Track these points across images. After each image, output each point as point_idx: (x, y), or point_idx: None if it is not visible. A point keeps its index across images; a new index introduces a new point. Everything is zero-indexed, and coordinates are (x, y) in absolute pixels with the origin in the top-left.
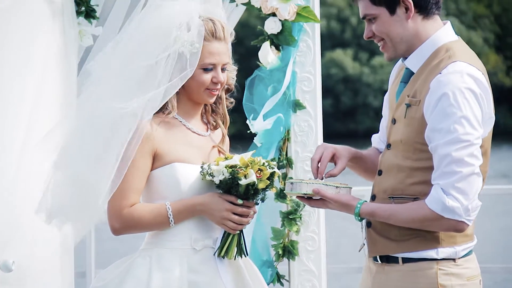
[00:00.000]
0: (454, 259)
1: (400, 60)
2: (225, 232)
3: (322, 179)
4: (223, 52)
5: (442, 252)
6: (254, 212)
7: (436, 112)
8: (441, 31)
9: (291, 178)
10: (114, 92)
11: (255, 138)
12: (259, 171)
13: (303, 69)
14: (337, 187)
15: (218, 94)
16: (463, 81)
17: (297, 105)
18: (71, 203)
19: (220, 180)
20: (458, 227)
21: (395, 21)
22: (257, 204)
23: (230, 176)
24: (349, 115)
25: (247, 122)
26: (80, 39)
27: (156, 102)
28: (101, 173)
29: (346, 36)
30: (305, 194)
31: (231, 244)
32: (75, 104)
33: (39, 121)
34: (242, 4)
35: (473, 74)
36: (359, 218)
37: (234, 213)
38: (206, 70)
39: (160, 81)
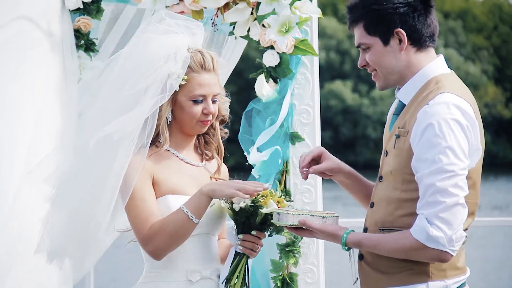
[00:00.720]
0: None
1: (395, 95)
2: (234, 259)
3: (306, 173)
4: (213, 83)
5: (432, 285)
6: (261, 245)
7: (422, 142)
8: (433, 64)
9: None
10: (101, 122)
11: (252, 170)
12: (277, 203)
13: (301, 102)
14: (323, 217)
15: (209, 124)
16: (449, 112)
17: (295, 137)
18: (71, 241)
19: (240, 207)
20: (442, 257)
21: (388, 52)
22: (270, 236)
23: (252, 204)
24: (348, 147)
25: (246, 154)
26: (80, 72)
27: (137, 126)
28: (98, 207)
29: (345, 68)
30: (291, 225)
31: (239, 272)
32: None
33: (38, 154)
34: (241, 37)
35: (460, 106)
36: (345, 247)
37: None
38: (196, 102)
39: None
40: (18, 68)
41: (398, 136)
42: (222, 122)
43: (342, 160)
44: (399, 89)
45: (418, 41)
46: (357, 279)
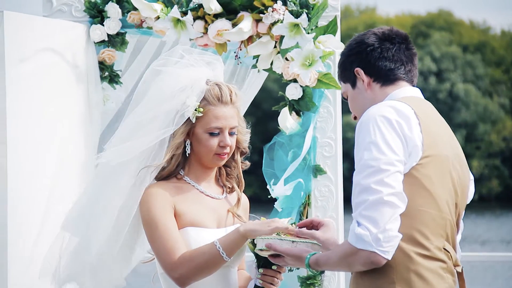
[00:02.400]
0: None
1: None
2: None
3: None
4: (229, 116)
5: None
6: (280, 279)
7: (355, 146)
8: (397, 91)
9: None
10: (117, 153)
11: (275, 203)
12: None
13: (324, 135)
14: (293, 241)
15: (227, 158)
16: (378, 110)
17: (317, 170)
18: (80, 269)
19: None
20: (372, 258)
21: (357, 94)
22: (291, 271)
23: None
24: None
25: (268, 187)
26: (104, 104)
27: (135, 155)
28: (106, 237)
29: None
30: (260, 249)
31: None
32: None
33: (62, 184)
34: (264, 70)
35: (394, 106)
36: (309, 269)
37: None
38: (212, 134)
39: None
40: (43, 99)
41: None
42: (242, 154)
43: None
44: None
45: (380, 76)
46: None
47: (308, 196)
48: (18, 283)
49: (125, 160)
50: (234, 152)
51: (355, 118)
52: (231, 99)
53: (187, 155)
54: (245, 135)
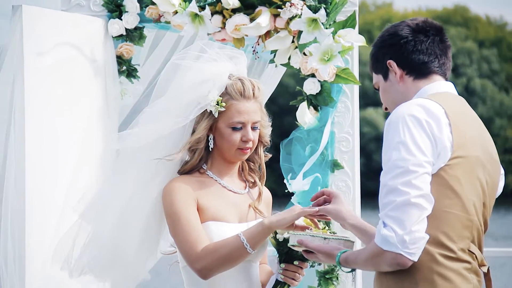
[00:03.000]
0: None
1: None
2: (274, 286)
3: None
4: (252, 110)
5: None
6: (302, 275)
7: (383, 145)
8: (430, 86)
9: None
10: (133, 136)
11: (292, 197)
12: None
13: (341, 130)
14: (325, 238)
15: (250, 152)
16: (407, 109)
17: (335, 165)
18: (109, 262)
19: (284, 238)
20: (398, 260)
21: (389, 86)
22: (313, 266)
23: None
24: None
25: (285, 181)
26: (121, 98)
27: (147, 142)
28: (127, 230)
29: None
30: (292, 245)
31: None
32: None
33: (81, 179)
34: (281, 65)
35: (424, 105)
36: (340, 266)
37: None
38: (235, 129)
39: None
40: (61, 94)
41: None
42: (264, 147)
43: (375, 188)
44: None
45: (413, 69)
46: None
47: None
48: (37, 275)
49: (142, 148)
50: (257, 146)
51: (386, 109)
52: (253, 93)
53: (210, 150)
54: (267, 129)
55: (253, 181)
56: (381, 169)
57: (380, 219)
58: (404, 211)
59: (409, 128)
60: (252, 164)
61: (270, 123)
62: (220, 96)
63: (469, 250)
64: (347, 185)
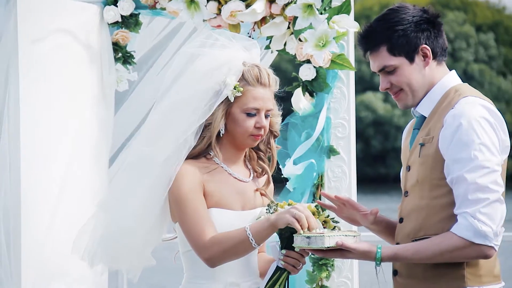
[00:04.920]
0: None
1: (412, 113)
2: (274, 273)
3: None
4: (267, 98)
5: None
6: (303, 263)
7: (453, 143)
8: (449, 76)
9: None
10: (152, 136)
11: (287, 183)
12: (324, 223)
13: (337, 116)
14: (354, 236)
15: (261, 140)
16: (476, 111)
17: (331, 151)
18: (118, 251)
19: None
20: (487, 252)
21: (414, 69)
22: (314, 255)
23: None
24: (379, 160)
25: (281, 167)
26: (117, 85)
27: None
28: (146, 223)
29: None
30: (328, 247)
31: (278, 285)
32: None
33: (77, 165)
34: (277, 51)
35: (485, 105)
36: (379, 263)
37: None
38: (249, 115)
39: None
40: (57, 81)
41: (423, 144)
42: (274, 136)
43: (373, 173)
44: (416, 105)
45: (438, 55)
46: None
47: (321, 177)
48: (32, 267)
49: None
50: (268, 136)
51: (386, 89)
52: (269, 81)
53: (221, 136)
54: (277, 118)
55: (261, 170)
56: (379, 154)
57: (469, 214)
58: (496, 208)
59: (485, 130)
60: (262, 153)
61: (280, 113)
62: (237, 81)
63: None
64: (343, 171)
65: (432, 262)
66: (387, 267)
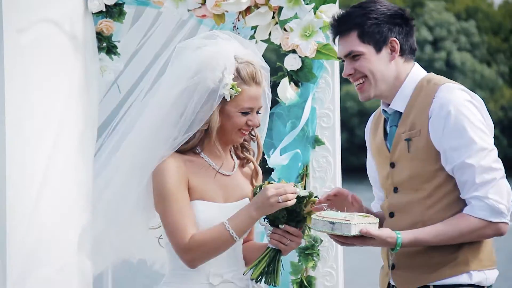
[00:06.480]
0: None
1: (379, 112)
2: (266, 250)
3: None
4: (260, 96)
5: (475, 276)
6: (294, 241)
7: (447, 132)
8: (415, 69)
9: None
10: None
11: (272, 173)
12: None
13: (322, 106)
14: (376, 223)
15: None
16: (460, 96)
17: (316, 141)
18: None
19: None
20: (503, 229)
21: (380, 59)
22: (303, 232)
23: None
24: (364, 149)
25: (266, 157)
26: (101, 74)
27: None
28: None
29: None
30: (353, 235)
31: (265, 264)
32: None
33: (60, 155)
34: (262, 41)
35: (463, 89)
36: (398, 248)
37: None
38: (244, 113)
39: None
40: (41, 70)
41: (409, 139)
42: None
43: (358, 163)
44: (388, 104)
45: (406, 52)
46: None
47: (306, 167)
48: (17, 249)
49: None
50: None
51: (349, 75)
52: (261, 79)
53: (209, 131)
54: (265, 112)
55: (246, 159)
56: (364, 144)
57: (481, 195)
58: (504, 185)
59: (473, 113)
60: (246, 143)
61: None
62: (233, 80)
63: None
64: (327, 161)
65: (451, 243)
66: (368, 253)
